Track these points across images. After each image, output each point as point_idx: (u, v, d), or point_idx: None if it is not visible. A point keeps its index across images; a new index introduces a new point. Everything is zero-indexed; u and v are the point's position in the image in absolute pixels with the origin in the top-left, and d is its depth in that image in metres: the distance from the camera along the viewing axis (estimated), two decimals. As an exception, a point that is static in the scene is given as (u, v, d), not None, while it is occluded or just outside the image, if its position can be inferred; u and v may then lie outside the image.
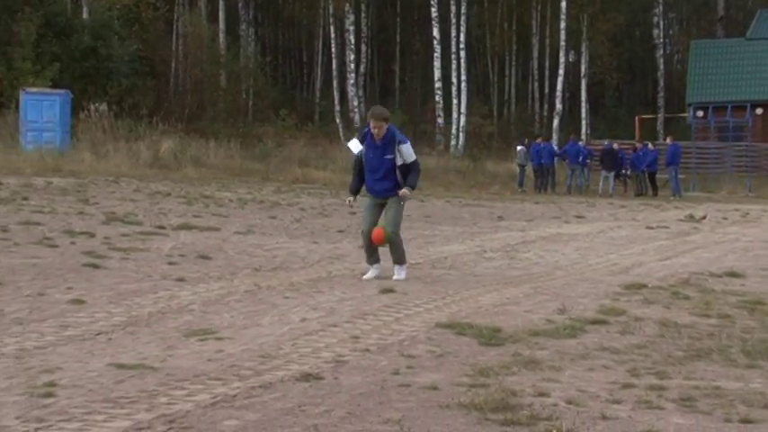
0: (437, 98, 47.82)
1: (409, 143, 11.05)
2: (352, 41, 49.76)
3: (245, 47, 51.89)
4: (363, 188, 11.26)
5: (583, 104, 50.75)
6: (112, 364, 6.58)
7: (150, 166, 29.76)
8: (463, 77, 47.43)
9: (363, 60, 52.92)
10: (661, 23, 58.35)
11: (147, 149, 31.33)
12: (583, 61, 51.46)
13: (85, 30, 41.06)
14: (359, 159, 11.17)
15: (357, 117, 47.48)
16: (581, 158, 35.28)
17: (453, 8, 47.99)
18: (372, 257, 11.10)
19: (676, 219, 22.44)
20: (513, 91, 56.67)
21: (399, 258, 11.06)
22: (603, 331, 8.33)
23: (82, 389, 5.96)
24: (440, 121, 47.77)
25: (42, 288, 9.30)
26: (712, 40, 54.66)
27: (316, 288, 10.07)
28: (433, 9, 47.62)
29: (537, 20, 54.70)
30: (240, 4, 53.04)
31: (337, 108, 49.05)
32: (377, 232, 10.81)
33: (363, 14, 53.68)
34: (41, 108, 31.94)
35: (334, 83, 49.83)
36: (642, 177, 34.99)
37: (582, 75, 51.22)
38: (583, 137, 45.16)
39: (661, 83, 56.10)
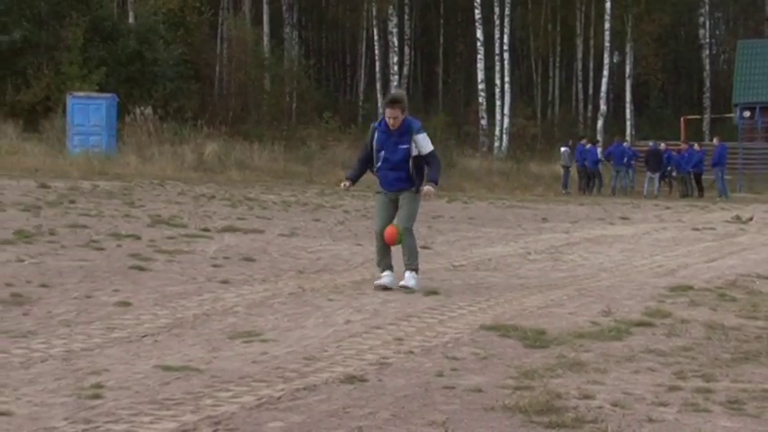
0: (480, 100, 47.71)
1: (426, 134, 10.19)
2: (396, 44, 49.78)
3: (289, 50, 52.06)
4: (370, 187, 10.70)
5: (627, 105, 50.45)
6: (158, 366, 6.62)
7: (195, 169, 29.95)
8: (506, 79, 47.33)
9: (407, 62, 52.90)
10: (707, 23, 57.83)
11: (191, 152, 31.56)
12: (627, 62, 51.18)
13: (131, 34, 41.48)
14: (368, 145, 10.42)
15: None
16: (626, 160, 35.11)
17: (497, 10, 47.90)
18: (384, 261, 10.22)
19: (722, 220, 22.22)
20: (557, 92, 56.50)
21: (411, 263, 10.14)
22: (649, 333, 8.26)
23: (128, 390, 6.01)
24: (483, 122, 47.68)
25: (89, 290, 9.36)
26: (759, 40, 53.97)
27: (359, 290, 10.07)
28: (477, 11, 47.61)
29: (581, 21, 54.47)
30: (284, 8, 53.22)
31: (380, 110, 49.00)
32: (389, 231, 10.08)
33: (407, 16, 53.67)
34: (88, 112, 32.28)
35: (378, 85, 49.86)
36: (688, 178, 34.70)
37: (627, 75, 50.94)
38: (627, 138, 44.87)
39: (707, 83, 55.56)
